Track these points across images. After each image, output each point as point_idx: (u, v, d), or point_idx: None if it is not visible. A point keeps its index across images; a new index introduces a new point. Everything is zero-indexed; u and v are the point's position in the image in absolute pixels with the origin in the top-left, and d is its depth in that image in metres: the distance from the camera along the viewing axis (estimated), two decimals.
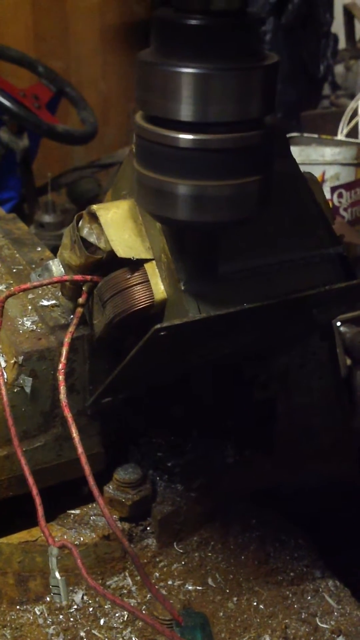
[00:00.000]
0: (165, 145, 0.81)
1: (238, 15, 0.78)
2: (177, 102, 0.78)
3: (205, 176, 0.82)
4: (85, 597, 1.13)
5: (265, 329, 1.06)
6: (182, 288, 0.94)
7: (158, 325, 0.85)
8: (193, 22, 0.77)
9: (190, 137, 0.80)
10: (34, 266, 1.26)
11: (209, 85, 0.77)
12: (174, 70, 0.77)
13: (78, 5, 3.54)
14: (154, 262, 0.99)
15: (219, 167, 0.81)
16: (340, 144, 2.51)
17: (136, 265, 0.99)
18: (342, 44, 4.15)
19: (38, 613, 1.12)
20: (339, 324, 1.83)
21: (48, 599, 1.13)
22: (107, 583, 1.15)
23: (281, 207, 1.00)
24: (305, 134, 2.61)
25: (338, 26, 3.99)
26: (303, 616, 1.15)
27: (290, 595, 1.18)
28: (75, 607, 1.12)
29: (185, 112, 0.78)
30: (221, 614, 1.13)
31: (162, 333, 0.86)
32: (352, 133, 2.75)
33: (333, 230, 1.05)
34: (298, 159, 1.07)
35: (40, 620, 1.11)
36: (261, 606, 1.16)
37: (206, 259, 0.94)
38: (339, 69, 4.03)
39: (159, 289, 0.98)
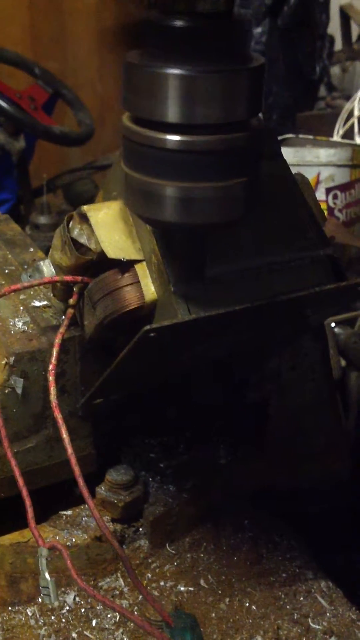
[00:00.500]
0: (152, 146, 0.81)
1: (224, 17, 0.78)
2: (163, 104, 0.78)
3: (191, 178, 0.82)
4: (77, 598, 1.13)
5: (255, 331, 1.06)
6: (172, 289, 0.95)
7: (147, 326, 0.85)
8: (179, 23, 0.76)
9: (176, 138, 0.80)
10: (26, 267, 1.26)
11: (195, 87, 0.77)
12: (159, 71, 0.77)
13: (75, 6, 3.55)
14: (144, 263, 0.99)
15: (205, 168, 0.81)
16: (335, 145, 2.51)
17: (127, 266, 0.99)
18: (338, 45, 4.15)
19: (30, 614, 1.12)
20: (333, 325, 1.83)
21: (40, 600, 1.13)
22: (99, 584, 1.15)
23: (271, 209, 1.00)
24: (301, 135, 2.61)
25: (334, 28, 3.99)
26: (295, 617, 1.15)
27: (283, 596, 1.18)
28: (67, 608, 1.12)
29: (172, 113, 0.78)
30: (213, 615, 1.13)
31: (151, 334, 0.86)
32: (347, 134, 2.75)
33: (323, 231, 1.05)
34: (293, 160, 1.07)
35: (32, 622, 1.11)
36: (253, 607, 1.16)
37: (194, 260, 0.94)
38: (335, 70, 4.03)
39: (150, 290, 0.98)
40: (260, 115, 0.85)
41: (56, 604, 1.11)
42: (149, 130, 0.81)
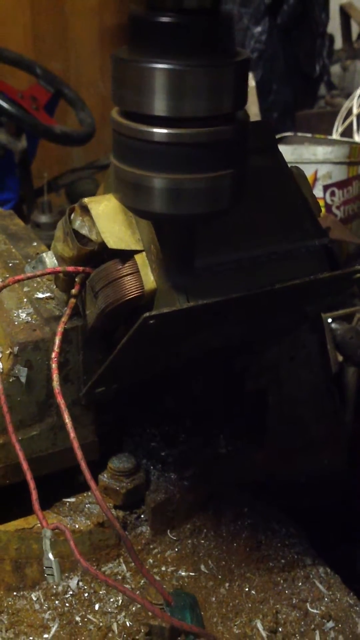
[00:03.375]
0: (140, 139, 0.83)
1: (210, 13, 0.80)
2: (151, 98, 0.80)
3: (178, 170, 0.83)
4: (80, 583, 1.15)
5: (253, 320, 1.08)
6: (170, 279, 0.97)
7: (147, 314, 0.88)
8: (165, 19, 0.78)
9: (163, 131, 0.82)
10: (29, 260, 1.28)
11: (182, 81, 0.79)
12: (147, 66, 0.79)
13: (77, 6, 3.57)
14: (144, 253, 1.02)
15: (191, 160, 0.83)
16: (332, 142, 2.52)
17: (127, 256, 1.02)
18: (338, 44, 4.17)
19: (34, 599, 1.15)
20: (330, 320, 1.86)
21: (44, 584, 1.16)
22: (102, 569, 1.18)
23: (267, 200, 1.02)
24: (299, 133, 2.63)
25: (334, 27, 4.01)
26: (294, 602, 1.17)
27: (281, 581, 1.20)
28: (71, 592, 1.15)
29: (159, 107, 0.80)
30: (213, 599, 1.16)
31: (151, 321, 0.88)
32: (346, 132, 2.77)
33: (319, 222, 1.07)
34: (291, 158, 1.09)
35: (37, 606, 1.14)
36: (253, 592, 1.18)
37: (183, 251, 0.96)
38: (335, 69, 4.05)
39: (149, 280, 1.01)
40: (246, 109, 0.87)
41: (60, 588, 1.14)
42: (137, 123, 0.83)
